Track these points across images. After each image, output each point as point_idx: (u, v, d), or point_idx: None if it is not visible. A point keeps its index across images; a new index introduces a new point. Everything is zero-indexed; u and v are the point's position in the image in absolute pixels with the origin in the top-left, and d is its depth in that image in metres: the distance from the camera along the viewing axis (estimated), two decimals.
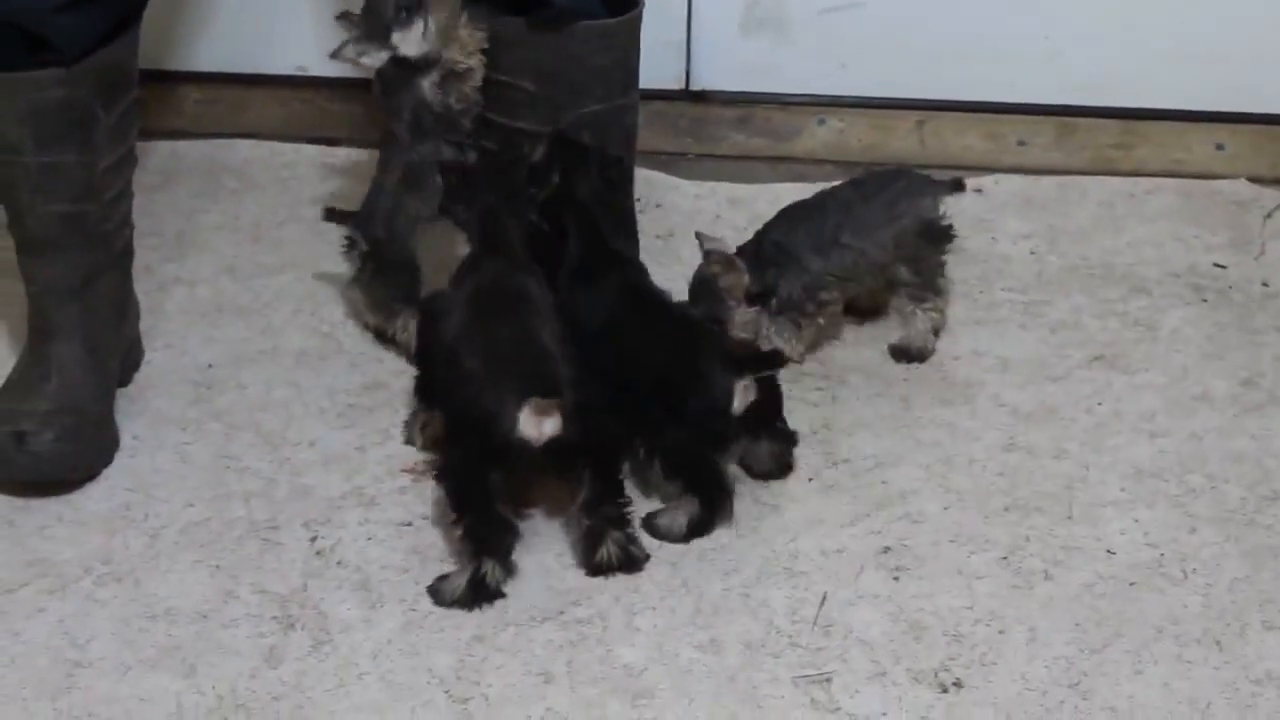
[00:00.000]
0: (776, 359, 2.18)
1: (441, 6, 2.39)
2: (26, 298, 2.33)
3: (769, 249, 2.38)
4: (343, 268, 2.49)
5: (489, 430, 2.07)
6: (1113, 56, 2.90)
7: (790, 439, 2.25)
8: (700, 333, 2.23)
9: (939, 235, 2.44)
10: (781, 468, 2.26)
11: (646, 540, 2.17)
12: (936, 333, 2.47)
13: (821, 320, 2.42)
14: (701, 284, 2.37)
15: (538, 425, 2.06)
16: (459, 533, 2.10)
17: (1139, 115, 2.92)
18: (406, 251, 2.46)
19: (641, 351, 2.20)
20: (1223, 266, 2.65)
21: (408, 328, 2.43)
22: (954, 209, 2.73)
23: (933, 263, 2.44)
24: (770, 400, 2.20)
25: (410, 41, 2.39)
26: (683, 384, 2.16)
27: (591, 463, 2.13)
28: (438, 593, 2.11)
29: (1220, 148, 2.88)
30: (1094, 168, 2.88)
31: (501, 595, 2.10)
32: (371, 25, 2.40)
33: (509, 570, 2.11)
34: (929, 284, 2.44)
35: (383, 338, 2.49)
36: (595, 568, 2.14)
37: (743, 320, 2.37)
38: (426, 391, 2.26)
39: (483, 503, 2.10)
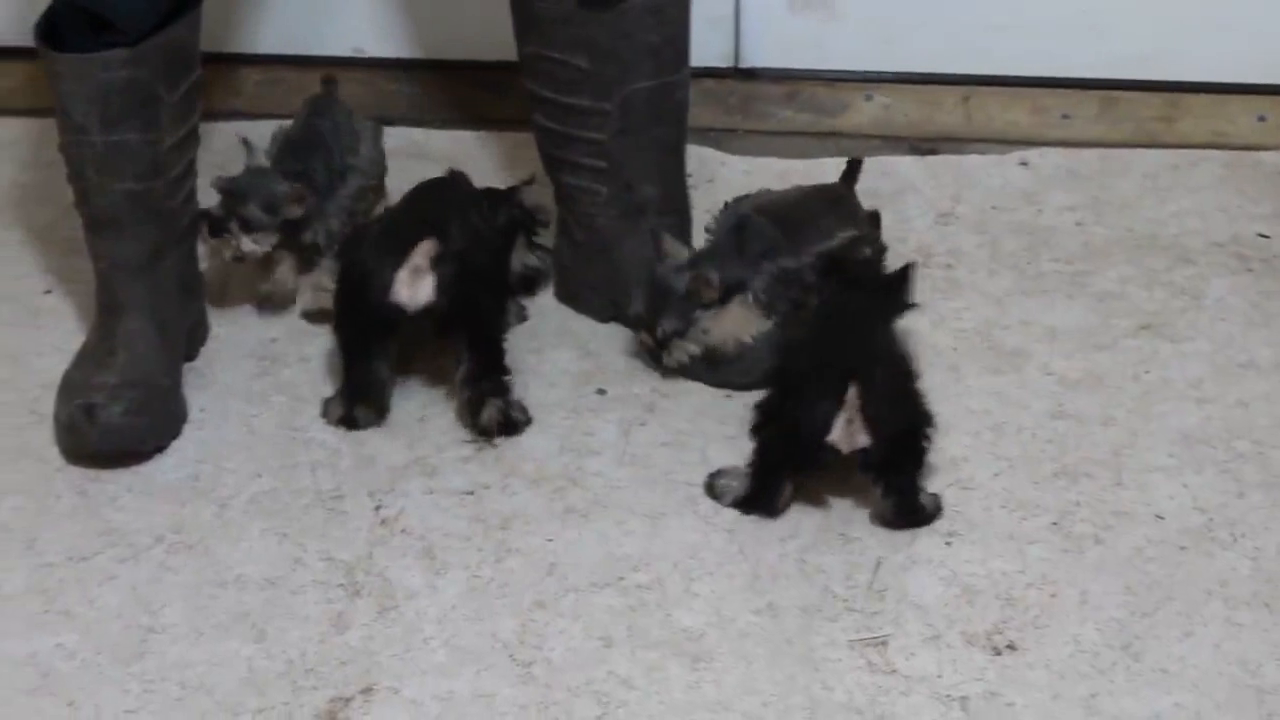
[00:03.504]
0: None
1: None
2: (95, 275, 2.38)
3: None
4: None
5: (367, 290, 2.27)
6: (1155, 30, 2.92)
7: (913, 508, 2.19)
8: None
9: None
10: (897, 521, 2.20)
11: (707, 507, 2.23)
12: None
13: None
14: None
15: (411, 290, 2.25)
16: (342, 379, 2.34)
17: (1181, 88, 2.94)
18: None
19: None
20: (1266, 236, 2.68)
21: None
22: (1001, 181, 2.78)
23: None
24: (900, 454, 2.17)
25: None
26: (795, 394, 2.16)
27: (468, 335, 2.30)
28: (325, 413, 2.36)
29: (1262, 119, 2.90)
30: (1137, 140, 2.90)
31: (372, 425, 2.34)
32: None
33: (381, 414, 2.34)
34: None
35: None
36: (479, 430, 2.32)
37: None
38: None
39: (363, 359, 2.32)
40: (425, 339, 2.36)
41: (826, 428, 2.12)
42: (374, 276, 2.27)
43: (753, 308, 2.37)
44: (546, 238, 2.57)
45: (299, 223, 2.46)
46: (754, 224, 2.40)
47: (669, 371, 2.41)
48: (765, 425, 2.18)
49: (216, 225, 2.44)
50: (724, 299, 2.36)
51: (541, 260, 2.56)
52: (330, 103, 2.60)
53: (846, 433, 2.13)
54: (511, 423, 2.33)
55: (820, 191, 2.52)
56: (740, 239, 2.39)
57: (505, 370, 2.33)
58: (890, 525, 2.19)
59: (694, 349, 2.39)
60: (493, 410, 2.31)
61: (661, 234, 2.41)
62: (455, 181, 2.43)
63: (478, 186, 2.47)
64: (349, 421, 2.34)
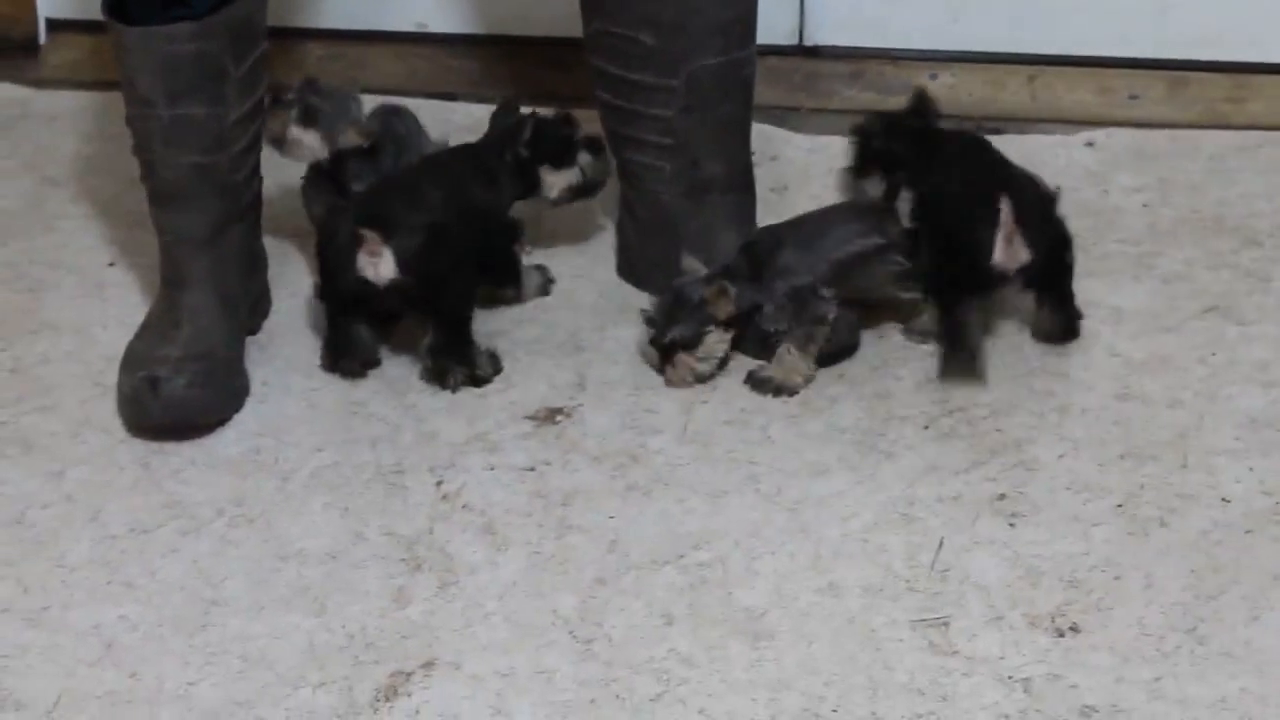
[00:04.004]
0: None
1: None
2: (159, 248, 2.38)
3: None
4: None
5: (338, 267, 2.32)
6: (1224, 10, 2.89)
7: (1074, 320, 2.40)
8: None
9: None
10: (1065, 334, 2.41)
11: (769, 486, 2.22)
12: None
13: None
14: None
15: (375, 270, 2.29)
16: (325, 335, 2.40)
17: (1251, 69, 2.92)
18: None
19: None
20: None
21: None
22: (1067, 162, 2.76)
23: None
24: (1057, 266, 2.36)
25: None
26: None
27: (433, 311, 2.34)
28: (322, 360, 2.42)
29: None
30: (1205, 121, 2.87)
31: (357, 376, 2.39)
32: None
33: (367, 367, 2.39)
34: None
35: None
36: (443, 387, 2.38)
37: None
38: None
39: (344, 324, 2.37)
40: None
41: (990, 250, 2.26)
42: (343, 254, 2.31)
43: (798, 356, 2.35)
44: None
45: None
46: (763, 244, 2.39)
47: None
48: (936, 272, 2.33)
49: (281, 102, 2.45)
50: (742, 321, 2.35)
51: (585, 168, 2.48)
52: (399, 111, 2.59)
53: (1008, 251, 2.26)
54: (478, 381, 2.37)
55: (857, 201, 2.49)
56: (751, 261, 2.37)
57: (469, 341, 2.37)
58: (1056, 340, 2.39)
59: (702, 369, 2.37)
60: (458, 376, 2.36)
61: (683, 253, 2.39)
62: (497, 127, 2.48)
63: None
64: (334, 371, 2.40)
